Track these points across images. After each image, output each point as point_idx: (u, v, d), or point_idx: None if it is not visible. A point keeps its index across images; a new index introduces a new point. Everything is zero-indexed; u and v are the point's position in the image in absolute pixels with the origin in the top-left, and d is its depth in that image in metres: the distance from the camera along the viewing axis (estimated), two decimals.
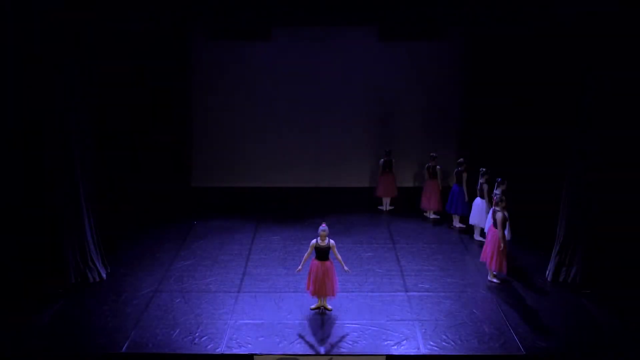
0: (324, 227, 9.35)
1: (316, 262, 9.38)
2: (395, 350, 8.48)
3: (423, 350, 8.50)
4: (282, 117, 15.59)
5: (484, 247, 10.64)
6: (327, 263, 9.37)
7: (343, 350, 8.47)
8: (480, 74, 14.74)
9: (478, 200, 12.21)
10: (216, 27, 14.84)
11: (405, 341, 8.72)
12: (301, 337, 8.81)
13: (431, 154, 13.71)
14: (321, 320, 9.28)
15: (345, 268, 9.46)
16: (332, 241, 9.37)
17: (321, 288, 9.32)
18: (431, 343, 8.66)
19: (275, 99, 15.51)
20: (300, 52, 15.32)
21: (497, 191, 10.94)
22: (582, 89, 10.02)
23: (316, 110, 15.54)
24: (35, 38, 9.70)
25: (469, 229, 12.75)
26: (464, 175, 12.86)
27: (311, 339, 8.75)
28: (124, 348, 8.52)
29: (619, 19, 9.65)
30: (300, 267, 9.51)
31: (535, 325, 9.15)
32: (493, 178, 11.59)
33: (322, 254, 9.35)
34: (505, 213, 10.31)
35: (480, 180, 12.15)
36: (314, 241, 9.39)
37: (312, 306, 9.59)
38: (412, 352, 8.48)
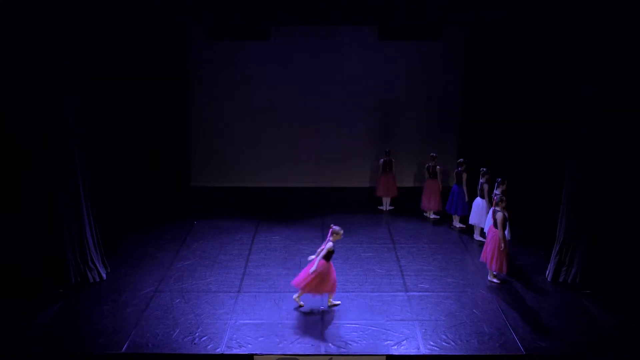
0: (339, 228, 9.42)
1: (323, 262, 9.34)
2: (395, 350, 8.48)
3: (423, 350, 8.49)
4: (282, 116, 15.59)
5: (484, 247, 10.63)
6: (331, 262, 9.49)
7: (343, 350, 8.46)
8: (480, 73, 14.74)
9: (478, 200, 12.21)
10: (215, 27, 14.83)
11: (405, 341, 8.71)
12: (301, 337, 8.81)
13: (431, 154, 13.71)
14: (321, 320, 9.28)
15: (313, 268, 9.25)
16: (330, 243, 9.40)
17: (320, 285, 9.34)
18: (431, 343, 8.66)
19: (274, 99, 15.50)
20: (300, 51, 15.31)
21: (497, 191, 10.96)
22: (581, 89, 10.01)
23: (316, 110, 15.54)
24: (35, 37, 9.70)
25: (469, 229, 12.74)
26: (464, 175, 12.85)
27: (311, 339, 8.74)
28: (124, 348, 8.52)
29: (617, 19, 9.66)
30: (315, 267, 9.24)
31: (535, 325, 9.14)
32: (493, 178, 11.60)
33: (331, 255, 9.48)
34: (505, 213, 10.31)
35: (481, 180, 12.15)
36: (330, 244, 9.32)
37: (301, 303, 9.59)
38: (412, 352, 8.47)
